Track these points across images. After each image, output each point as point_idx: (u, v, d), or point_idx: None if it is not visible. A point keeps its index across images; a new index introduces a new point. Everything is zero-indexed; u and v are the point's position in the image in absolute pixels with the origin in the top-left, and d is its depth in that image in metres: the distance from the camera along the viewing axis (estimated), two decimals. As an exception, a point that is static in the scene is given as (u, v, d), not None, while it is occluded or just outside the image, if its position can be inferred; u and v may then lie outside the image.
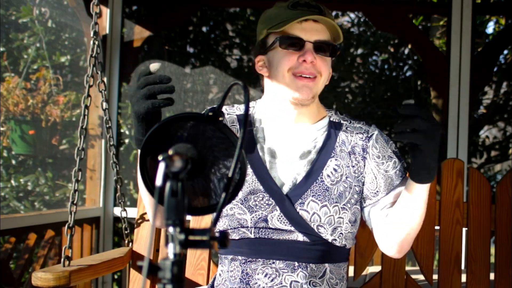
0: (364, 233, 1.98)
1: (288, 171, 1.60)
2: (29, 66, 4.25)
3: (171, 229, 0.84)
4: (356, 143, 1.63)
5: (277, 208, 1.56)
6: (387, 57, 5.71)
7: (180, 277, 0.83)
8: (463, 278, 1.96)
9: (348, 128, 1.65)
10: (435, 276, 1.98)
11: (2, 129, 4.08)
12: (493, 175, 6.02)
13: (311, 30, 1.56)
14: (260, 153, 1.60)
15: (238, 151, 0.91)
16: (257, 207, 1.56)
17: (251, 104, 1.70)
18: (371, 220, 1.63)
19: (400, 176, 1.62)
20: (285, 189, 1.58)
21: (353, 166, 1.61)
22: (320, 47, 1.57)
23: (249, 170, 1.59)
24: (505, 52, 5.46)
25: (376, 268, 2.64)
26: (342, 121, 1.67)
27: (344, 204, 1.58)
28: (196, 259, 1.96)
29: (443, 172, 1.97)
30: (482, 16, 5.34)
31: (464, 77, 3.43)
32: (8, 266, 2.88)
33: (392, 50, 5.71)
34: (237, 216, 1.57)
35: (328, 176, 1.58)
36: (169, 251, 0.84)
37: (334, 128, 1.65)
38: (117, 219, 3.51)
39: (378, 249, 2.06)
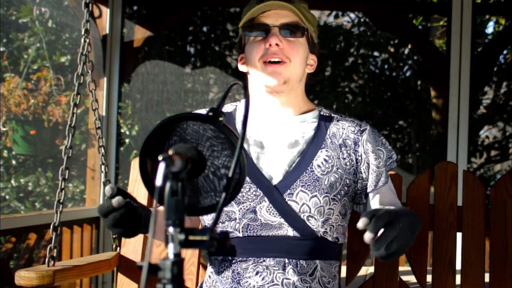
0: (356, 237, 1.95)
1: (276, 162, 1.59)
2: (29, 66, 4.25)
3: (171, 229, 0.84)
4: (347, 136, 1.62)
5: (266, 199, 1.54)
6: (387, 57, 5.72)
7: (180, 277, 0.83)
8: (458, 280, 1.95)
9: (339, 121, 1.65)
10: (428, 278, 1.97)
11: (3, 129, 4.08)
12: (493, 175, 6.02)
13: (275, 16, 1.58)
14: (245, 145, 1.60)
15: (238, 151, 0.91)
16: (244, 198, 1.55)
17: (236, 104, 1.72)
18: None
19: (387, 176, 1.64)
20: (275, 180, 1.57)
21: (344, 159, 1.60)
22: (286, 30, 1.57)
23: None
24: (505, 52, 5.46)
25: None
26: (332, 115, 1.67)
27: (334, 195, 1.57)
28: (184, 264, 1.95)
29: (437, 175, 1.95)
30: (482, 16, 5.34)
31: (464, 77, 3.43)
32: (8, 266, 2.88)
33: (392, 50, 5.71)
34: (225, 209, 1.56)
35: (319, 166, 1.58)
36: (169, 251, 0.84)
37: (324, 120, 1.65)
38: (117, 219, 3.51)
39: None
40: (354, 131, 1.63)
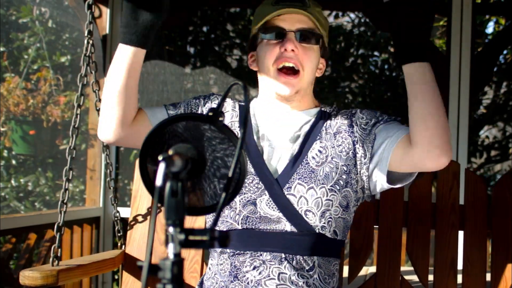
0: (358, 234, 1.96)
1: (278, 157, 1.61)
2: (29, 66, 4.26)
3: (171, 229, 0.84)
4: (342, 123, 1.63)
5: (266, 192, 1.56)
6: (387, 57, 5.72)
7: (180, 277, 0.83)
8: (459, 279, 1.95)
9: (335, 115, 1.66)
10: (430, 277, 1.97)
11: (3, 129, 4.08)
12: (493, 175, 6.02)
13: (291, 20, 1.58)
14: (255, 138, 1.63)
15: (238, 151, 0.91)
16: (247, 189, 1.57)
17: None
18: (392, 161, 1.55)
19: (395, 123, 1.59)
20: (275, 174, 1.59)
21: (339, 145, 1.60)
22: (302, 36, 1.58)
23: None
24: (505, 52, 5.47)
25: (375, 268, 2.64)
26: (332, 112, 1.68)
27: (331, 186, 1.57)
28: (189, 262, 1.95)
29: (439, 174, 1.96)
30: (482, 16, 5.34)
31: (464, 77, 3.42)
32: (8, 266, 2.88)
33: (392, 50, 5.71)
34: None
35: (313, 158, 1.59)
36: (169, 251, 0.84)
37: (323, 116, 1.66)
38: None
39: (373, 250, 2.04)
40: (346, 117, 1.64)
